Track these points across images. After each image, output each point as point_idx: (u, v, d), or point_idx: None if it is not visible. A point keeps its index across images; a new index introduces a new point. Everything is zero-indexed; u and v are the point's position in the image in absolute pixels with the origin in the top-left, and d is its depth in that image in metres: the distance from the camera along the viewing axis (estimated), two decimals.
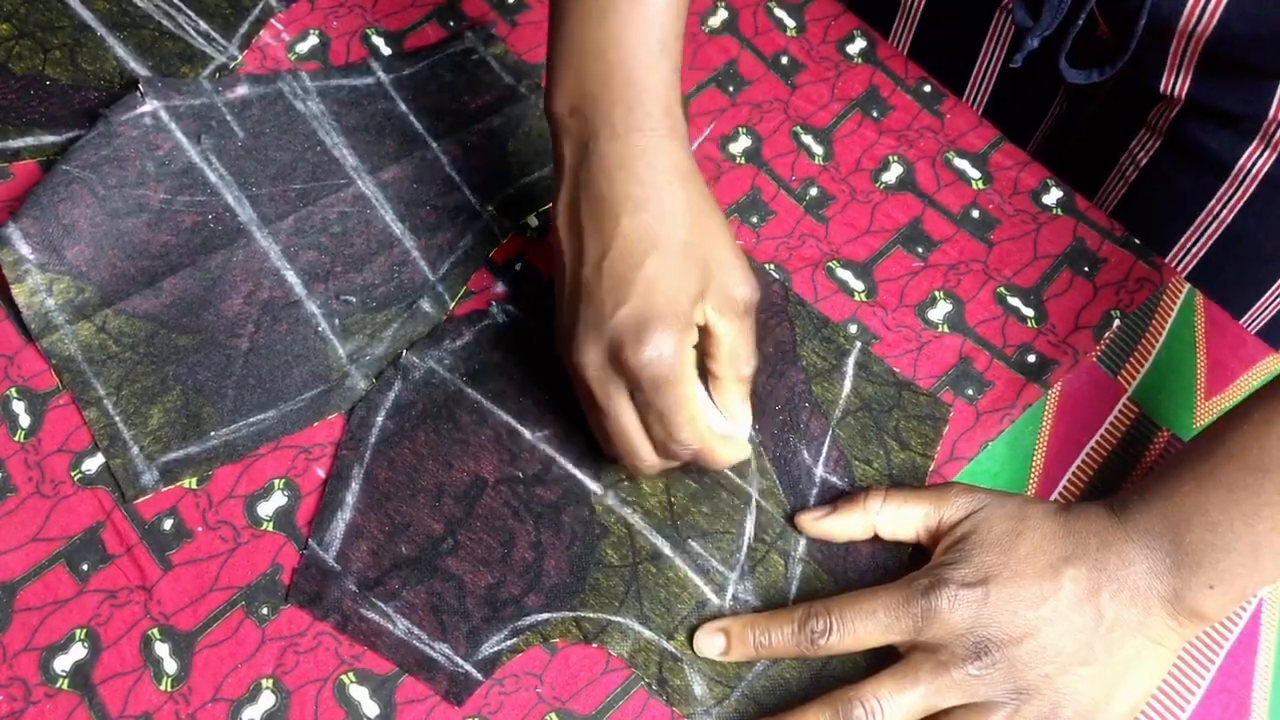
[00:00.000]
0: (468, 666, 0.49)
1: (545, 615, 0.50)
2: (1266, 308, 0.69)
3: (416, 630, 0.50)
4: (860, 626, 0.48)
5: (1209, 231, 0.67)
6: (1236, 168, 0.63)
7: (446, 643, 0.50)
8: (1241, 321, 0.66)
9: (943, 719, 0.47)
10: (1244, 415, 0.48)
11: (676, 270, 0.48)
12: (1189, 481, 0.47)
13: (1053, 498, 0.55)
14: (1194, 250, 0.68)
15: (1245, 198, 0.64)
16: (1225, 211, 0.65)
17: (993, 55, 0.72)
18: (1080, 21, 0.61)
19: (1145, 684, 0.48)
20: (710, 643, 0.50)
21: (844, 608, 0.49)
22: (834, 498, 0.54)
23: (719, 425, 0.51)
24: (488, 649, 0.50)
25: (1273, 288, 0.68)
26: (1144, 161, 0.68)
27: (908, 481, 0.55)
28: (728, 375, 0.51)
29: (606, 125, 0.49)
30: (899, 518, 0.52)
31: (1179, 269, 0.68)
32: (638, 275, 0.48)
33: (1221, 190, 0.65)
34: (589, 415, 0.51)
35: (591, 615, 0.51)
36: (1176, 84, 0.63)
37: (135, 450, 0.52)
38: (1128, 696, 0.47)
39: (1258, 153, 0.62)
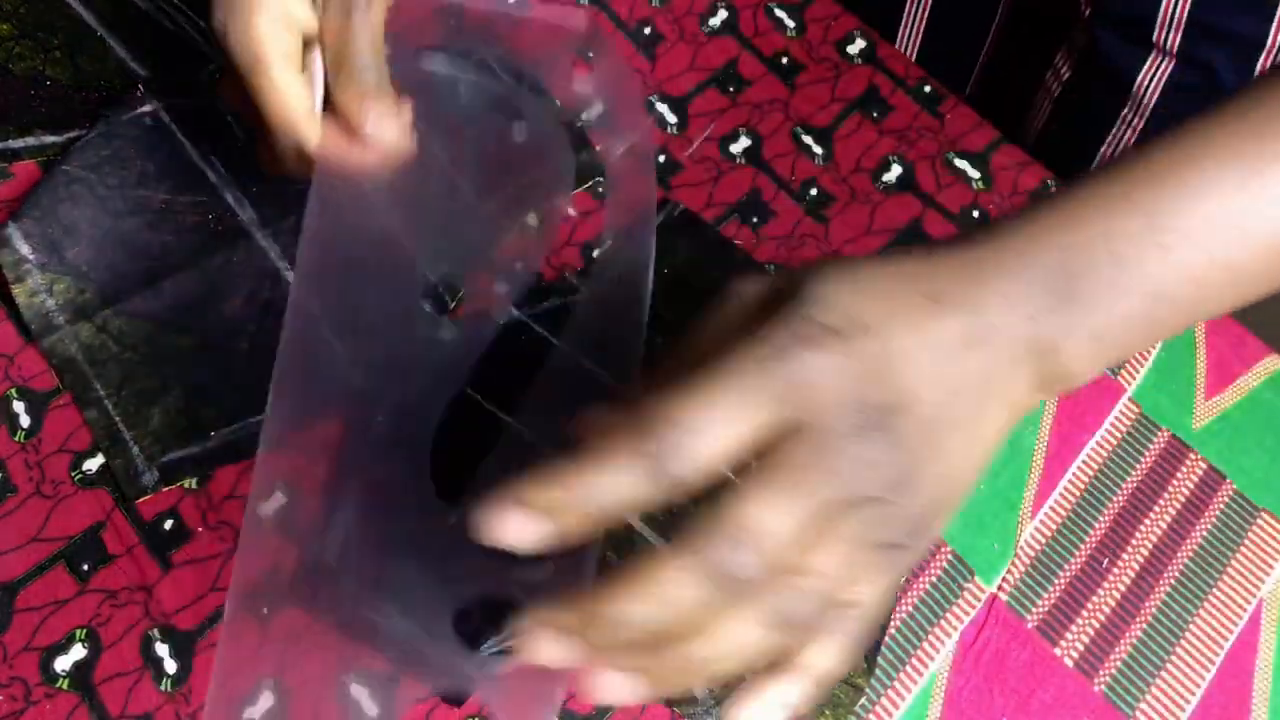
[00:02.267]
0: (468, 666, 0.49)
1: None
2: None
3: (416, 630, 0.50)
4: (713, 423, 0.32)
5: (1116, 152, 0.68)
6: (1135, 86, 0.65)
7: (446, 643, 0.49)
8: None
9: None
10: (1172, 139, 0.39)
11: None
12: (1092, 207, 0.38)
13: (1053, 498, 0.55)
14: None
15: (1146, 116, 0.66)
16: (1130, 133, 0.67)
17: None
18: None
19: (989, 454, 0.37)
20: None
21: (683, 405, 0.32)
22: None
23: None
24: (487, 649, 0.50)
25: None
26: (1066, 77, 0.69)
27: None
28: (337, 75, 0.46)
29: None
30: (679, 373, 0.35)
31: None
32: None
33: (1124, 112, 0.66)
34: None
35: None
36: None
37: (135, 450, 0.52)
38: (977, 474, 0.37)
39: (1156, 64, 0.64)
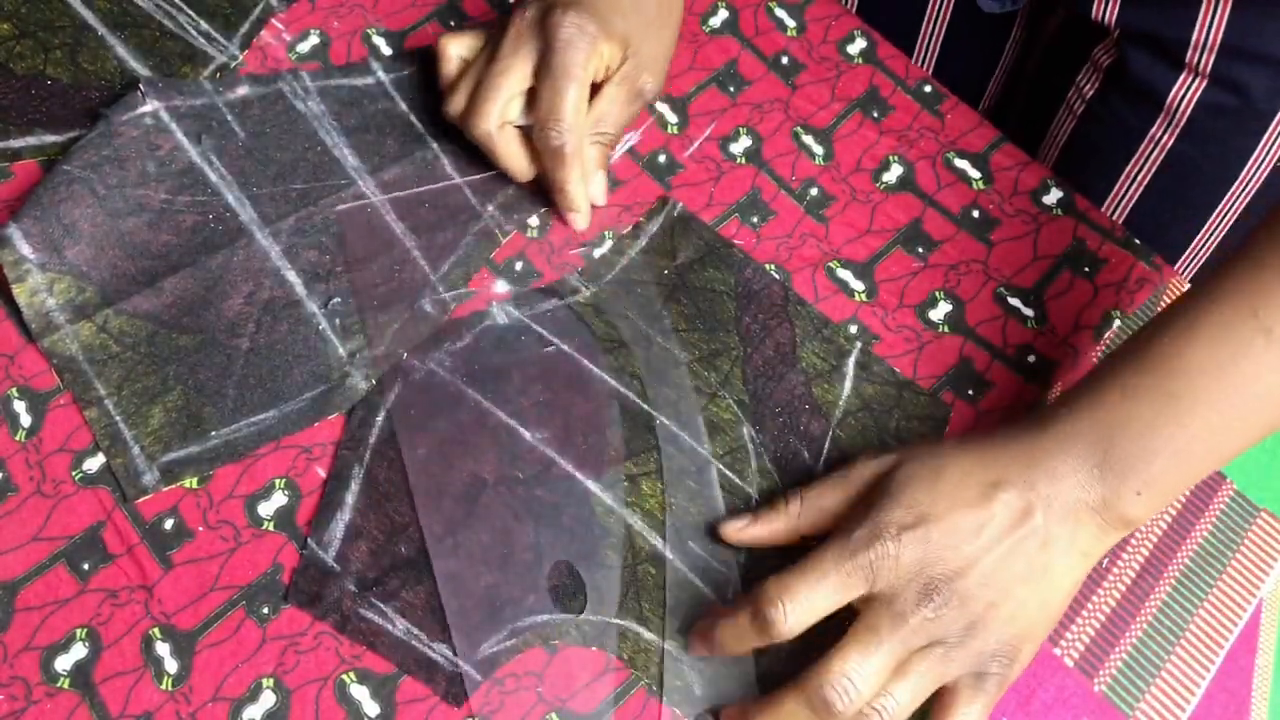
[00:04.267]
0: (467, 666, 0.49)
1: (545, 617, 0.51)
2: (1201, 249, 0.71)
3: (416, 630, 0.50)
4: (813, 598, 0.46)
5: (1145, 169, 0.68)
6: (1168, 102, 0.65)
7: (446, 643, 0.50)
8: (1176, 268, 0.66)
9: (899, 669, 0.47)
10: (1165, 323, 0.49)
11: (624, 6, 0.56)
12: (1115, 391, 0.48)
13: None
14: (1130, 192, 0.69)
15: (1177, 133, 0.65)
16: (1158, 150, 0.67)
17: (941, 4, 0.73)
18: None
19: (1071, 593, 0.49)
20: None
21: (793, 585, 0.47)
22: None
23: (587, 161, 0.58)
24: (487, 649, 0.50)
25: (1204, 229, 0.70)
26: (1089, 95, 0.69)
27: None
28: (585, 130, 0.57)
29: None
30: (817, 510, 0.51)
31: (1116, 215, 0.69)
32: None
33: (1155, 126, 0.66)
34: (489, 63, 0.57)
35: (591, 618, 0.51)
36: (1107, 11, 0.63)
37: (136, 450, 0.52)
38: (1059, 609, 0.48)
39: (1187, 83, 0.63)
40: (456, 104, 0.58)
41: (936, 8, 0.72)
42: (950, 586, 0.46)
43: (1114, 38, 0.66)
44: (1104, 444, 0.47)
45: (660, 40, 0.59)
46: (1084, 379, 0.50)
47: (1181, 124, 0.66)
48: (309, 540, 0.51)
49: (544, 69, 0.55)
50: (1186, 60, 0.63)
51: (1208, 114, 0.65)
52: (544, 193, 0.61)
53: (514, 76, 0.56)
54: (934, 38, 0.74)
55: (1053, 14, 0.70)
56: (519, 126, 0.58)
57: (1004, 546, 0.47)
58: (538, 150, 0.57)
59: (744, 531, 0.52)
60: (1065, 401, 0.49)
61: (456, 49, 0.59)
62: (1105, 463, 0.47)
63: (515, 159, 0.58)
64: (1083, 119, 0.71)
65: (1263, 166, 0.66)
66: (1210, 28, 0.61)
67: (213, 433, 0.53)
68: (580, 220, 0.59)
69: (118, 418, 0.53)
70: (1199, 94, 0.64)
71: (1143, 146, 0.68)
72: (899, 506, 0.47)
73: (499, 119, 0.56)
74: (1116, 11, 0.64)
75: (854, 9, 0.73)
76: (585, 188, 0.58)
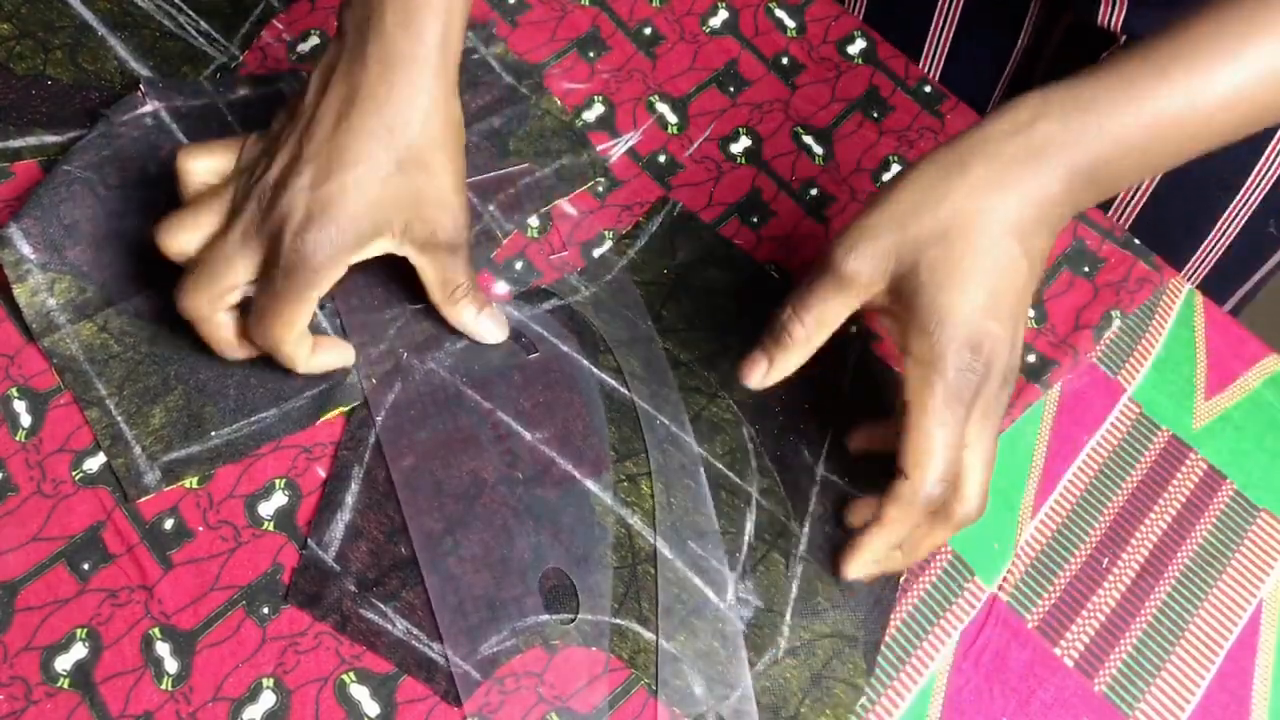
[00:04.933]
0: (467, 666, 0.49)
1: (545, 617, 0.51)
2: (1208, 256, 0.71)
3: (415, 630, 0.50)
4: (949, 456, 0.47)
5: (1149, 177, 0.68)
6: None
7: (446, 643, 0.50)
8: (1182, 273, 0.66)
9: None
10: (1170, 32, 0.47)
11: (375, 194, 0.49)
12: (1095, 89, 0.47)
13: (1053, 498, 0.55)
14: (1135, 200, 0.69)
15: None
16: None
17: (949, 10, 0.72)
18: None
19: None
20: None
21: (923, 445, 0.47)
22: (836, 499, 0.54)
23: (319, 354, 0.52)
24: (487, 649, 0.50)
25: (1209, 237, 0.69)
26: None
27: None
28: (442, 302, 0.54)
29: (380, 25, 0.48)
30: (824, 324, 0.49)
31: (1122, 221, 0.69)
32: (343, 175, 0.48)
33: None
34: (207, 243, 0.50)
35: (590, 618, 0.51)
36: (1113, 16, 0.63)
37: (137, 450, 0.52)
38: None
39: None
40: (177, 249, 0.51)
41: (944, 14, 0.72)
42: (996, 332, 0.46)
43: (1120, 45, 0.66)
44: (1074, 153, 0.46)
45: (446, 183, 0.51)
46: (1055, 84, 0.48)
47: None
48: (309, 540, 0.51)
49: (271, 288, 0.49)
50: None
51: None
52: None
53: (238, 271, 0.49)
54: (940, 44, 0.73)
55: (1059, 21, 0.70)
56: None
57: (1022, 295, 0.47)
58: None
59: (766, 378, 0.51)
60: (1039, 102, 0.47)
61: (199, 166, 0.52)
62: (1089, 171, 0.46)
63: (226, 343, 0.52)
64: None
65: (1268, 176, 0.66)
66: None
67: (214, 432, 0.53)
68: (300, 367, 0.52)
69: (119, 418, 0.53)
70: None
71: None
72: (951, 324, 0.46)
73: (211, 308, 0.50)
74: (1123, 17, 0.63)
75: (860, 13, 0.73)
76: (306, 354, 0.52)
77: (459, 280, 0.54)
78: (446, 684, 0.49)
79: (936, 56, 0.74)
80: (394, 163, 0.49)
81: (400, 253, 0.51)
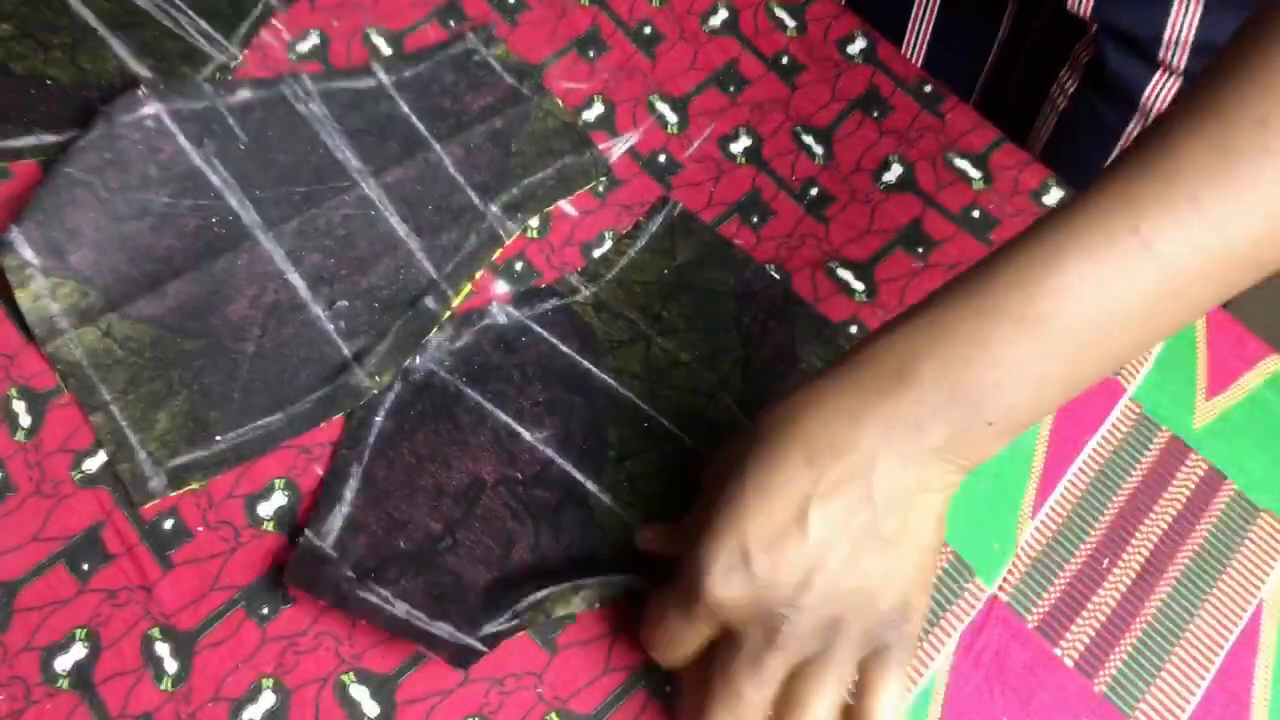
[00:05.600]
0: (470, 640, 0.48)
1: (547, 591, 0.50)
2: None
3: (416, 612, 0.49)
4: (671, 649, 0.47)
5: None
6: (1142, 101, 0.65)
7: (447, 621, 0.49)
8: None
9: (789, 695, 0.44)
10: (1025, 243, 0.43)
11: (877, 585, 0.44)
12: (968, 314, 0.43)
13: (1053, 498, 0.55)
14: None
15: None
16: None
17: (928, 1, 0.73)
18: None
19: (939, 525, 0.45)
20: None
21: (648, 638, 0.48)
22: None
23: None
24: (491, 628, 0.49)
25: None
26: (1070, 91, 0.69)
27: None
28: (732, 675, 0.45)
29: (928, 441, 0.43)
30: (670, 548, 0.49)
31: None
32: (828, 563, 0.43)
33: (1132, 124, 0.66)
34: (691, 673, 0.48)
35: (589, 580, 0.50)
36: (1082, 3, 0.63)
37: (142, 455, 0.52)
38: (934, 549, 0.45)
39: (1162, 82, 0.63)
40: None
41: (924, 4, 0.73)
42: (794, 607, 0.43)
43: (1092, 34, 0.66)
44: (953, 375, 0.42)
45: (922, 596, 0.46)
46: (913, 308, 0.45)
47: None
48: (305, 531, 0.51)
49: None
50: (1160, 58, 0.63)
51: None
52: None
53: None
54: (920, 35, 0.74)
55: (1039, 12, 0.70)
56: None
57: (839, 550, 0.43)
58: None
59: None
60: (897, 332, 0.44)
61: None
62: (953, 396, 0.42)
63: None
64: (1063, 117, 0.71)
65: None
66: (1183, 25, 0.61)
67: (219, 437, 0.53)
68: None
69: (123, 423, 0.53)
70: (1173, 92, 0.64)
71: (1121, 143, 0.68)
72: (714, 547, 0.44)
73: None
74: (1092, 4, 0.64)
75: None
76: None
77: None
78: (449, 655, 0.48)
79: (918, 47, 0.74)
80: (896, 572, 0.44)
81: (864, 664, 0.46)
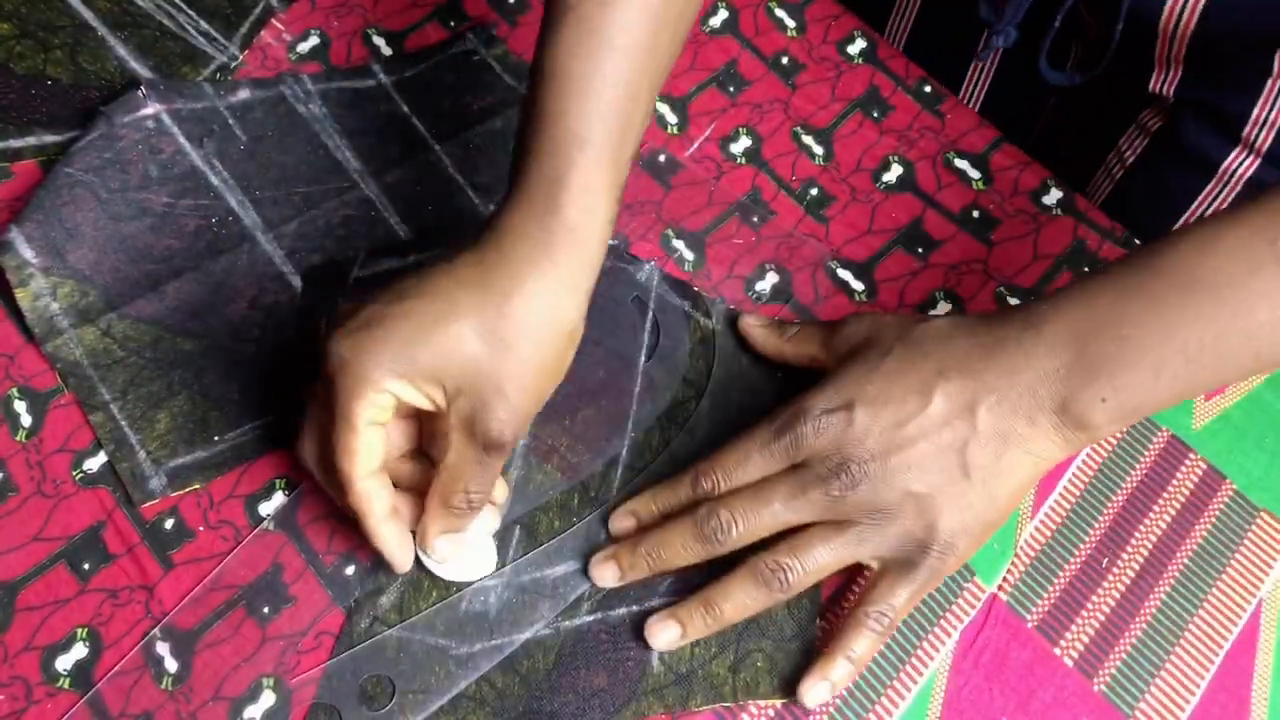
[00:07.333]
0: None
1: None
2: None
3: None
4: (739, 474, 0.49)
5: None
6: (1222, 169, 0.63)
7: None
8: None
9: (804, 534, 0.48)
10: (1182, 236, 0.46)
11: (443, 345, 0.45)
12: (1110, 291, 0.46)
13: (1053, 498, 0.55)
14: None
15: (1231, 199, 0.64)
16: (1210, 212, 0.65)
17: (987, 64, 0.72)
18: (1058, 22, 0.61)
19: (1018, 494, 0.48)
20: (605, 572, 0.51)
21: (722, 459, 0.49)
22: None
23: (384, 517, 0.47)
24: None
25: None
26: (1130, 160, 0.68)
27: None
28: (433, 497, 0.48)
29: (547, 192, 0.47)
30: (804, 338, 0.54)
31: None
32: (417, 303, 0.45)
33: (1208, 189, 0.65)
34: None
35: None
36: (1165, 83, 0.63)
37: (142, 455, 0.52)
38: (1004, 509, 0.48)
39: (1241, 158, 0.62)
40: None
41: (982, 64, 0.72)
42: (863, 469, 0.46)
43: (1169, 103, 0.65)
44: (1080, 341, 0.45)
45: (524, 379, 0.46)
46: (1075, 279, 0.48)
47: (1237, 190, 0.64)
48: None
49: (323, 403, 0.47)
50: (1243, 135, 0.62)
51: (1258, 191, 0.63)
52: None
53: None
54: (979, 85, 0.73)
55: (1106, 90, 0.68)
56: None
57: (934, 440, 0.46)
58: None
59: (754, 329, 0.56)
60: (1051, 296, 0.47)
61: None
62: (1076, 361, 0.45)
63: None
64: (1127, 177, 0.69)
65: None
66: (1274, 105, 0.60)
67: (218, 437, 0.53)
68: (399, 565, 0.49)
69: (123, 423, 0.53)
70: (1252, 170, 0.63)
71: (1196, 204, 0.66)
72: (830, 388, 0.48)
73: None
74: (1175, 85, 0.63)
75: (901, 46, 0.73)
76: (395, 535, 0.48)
77: (467, 487, 0.47)
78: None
79: (902, 26, 0.74)
80: (479, 322, 0.46)
81: (448, 421, 0.47)
